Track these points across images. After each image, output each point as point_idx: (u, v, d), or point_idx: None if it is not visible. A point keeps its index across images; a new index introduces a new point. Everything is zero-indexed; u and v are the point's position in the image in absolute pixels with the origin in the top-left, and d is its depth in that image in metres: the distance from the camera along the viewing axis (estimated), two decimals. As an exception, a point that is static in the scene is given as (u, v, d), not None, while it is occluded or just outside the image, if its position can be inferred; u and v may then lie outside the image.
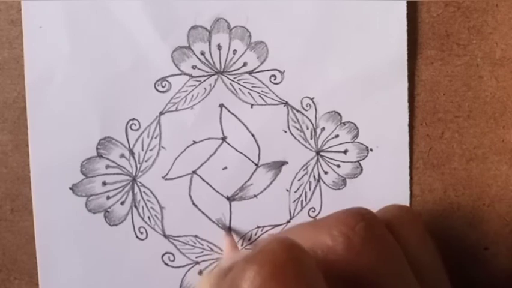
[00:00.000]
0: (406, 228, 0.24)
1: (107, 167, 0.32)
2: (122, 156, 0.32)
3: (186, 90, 0.32)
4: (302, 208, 0.32)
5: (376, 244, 0.21)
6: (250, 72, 0.32)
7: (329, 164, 0.32)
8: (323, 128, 0.32)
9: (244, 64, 0.32)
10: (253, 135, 0.32)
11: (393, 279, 0.21)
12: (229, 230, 0.32)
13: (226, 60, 0.32)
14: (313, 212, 0.32)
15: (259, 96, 0.32)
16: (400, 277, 0.21)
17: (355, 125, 0.32)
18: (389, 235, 0.22)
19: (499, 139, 0.32)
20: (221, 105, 0.32)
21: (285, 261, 0.18)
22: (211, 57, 0.32)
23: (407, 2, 0.31)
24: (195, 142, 0.32)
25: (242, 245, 0.32)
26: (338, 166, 0.32)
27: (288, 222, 0.32)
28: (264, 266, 0.18)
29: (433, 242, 0.25)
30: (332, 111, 0.32)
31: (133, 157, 0.32)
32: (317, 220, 0.22)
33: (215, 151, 0.32)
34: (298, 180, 0.32)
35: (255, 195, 0.32)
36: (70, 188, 0.32)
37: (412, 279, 0.21)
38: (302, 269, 0.18)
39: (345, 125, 0.32)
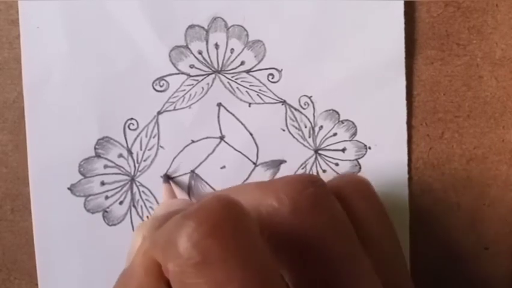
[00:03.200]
0: (356, 197, 0.24)
1: (106, 166, 0.32)
2: (120, 156, 0.32)
3: (184, 90, 0.32)
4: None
5: (322, 210, 0.21)
6: (248, 71, 0.32)
7: (328, 162, 0.32)
8: (321, 127, 0.32)
9: (242, 63, 0.32)
10: (251, 134, 0.32)
11: (336, 245, 0.20)
12: (167, 177, 0.32)
13: (223, 59, 0.32)
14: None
15: (257, 95, 0.32)
16: (344, 244, 0.21)
17: (353, 123, 0.32)
18: (337, 203, 0.22)
19: (499, 139, 0.32)
20: (219, 104, 0.32)
21: (224, 219, 0.18)
22: (209, 56, 0.32)
23: (407, 2, 0.31)
24: (193, 141, 0.32)
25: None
26: (337, 164, 0.32)
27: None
28: (202, 223, 0.17)
29: (387, 214, 0.25)
30: (330, 110, 0.32)
31: (132, 157, 0.32)
32: (265, 182, 0.22)
33: (213, 150, 0.32)
34: (297, 179, 0.32)
35: (254, 195, 0.32)
36: (68, 188, 0.32)
37: (358, 247, 0.21)
38: (241, 227, 0.18)
39: (343, 123, 0.32)
